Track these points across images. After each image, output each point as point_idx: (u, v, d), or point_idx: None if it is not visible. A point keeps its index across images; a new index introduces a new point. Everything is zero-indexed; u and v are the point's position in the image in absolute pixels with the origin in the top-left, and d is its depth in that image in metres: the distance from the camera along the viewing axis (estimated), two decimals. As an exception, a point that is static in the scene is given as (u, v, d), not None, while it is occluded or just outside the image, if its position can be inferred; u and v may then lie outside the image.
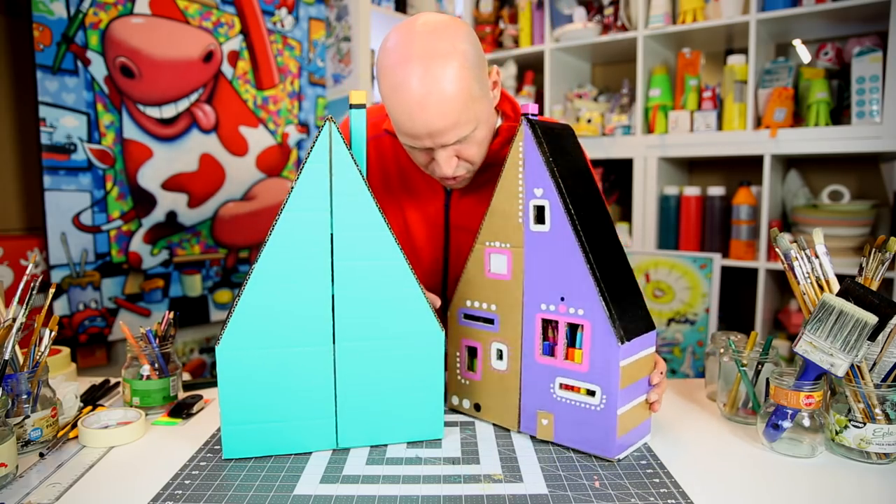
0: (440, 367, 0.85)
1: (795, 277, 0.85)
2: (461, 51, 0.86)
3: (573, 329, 0.81)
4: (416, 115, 0.85)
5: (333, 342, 0.81)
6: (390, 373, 0.84)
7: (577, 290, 0.79)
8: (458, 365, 0.94)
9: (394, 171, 1.09)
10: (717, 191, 2.16)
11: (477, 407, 0.93)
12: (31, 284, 0.88)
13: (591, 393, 0.80)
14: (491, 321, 0.89)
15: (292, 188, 0.78)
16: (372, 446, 0.85)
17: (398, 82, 0.85)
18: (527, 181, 0.83)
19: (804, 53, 2.15)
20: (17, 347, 0.85)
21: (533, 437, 0.87)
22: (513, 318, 0.87)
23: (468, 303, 0.91)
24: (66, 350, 1.13)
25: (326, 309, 0.80)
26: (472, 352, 0.93)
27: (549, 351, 0.84)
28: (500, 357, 0.89)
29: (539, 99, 2.57)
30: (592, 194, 0.85)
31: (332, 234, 0.79)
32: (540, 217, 0.82)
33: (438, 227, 1.09)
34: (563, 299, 0.81)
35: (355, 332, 0.82)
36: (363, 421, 0.84)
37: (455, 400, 0.96)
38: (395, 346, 0.83)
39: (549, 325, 0.84)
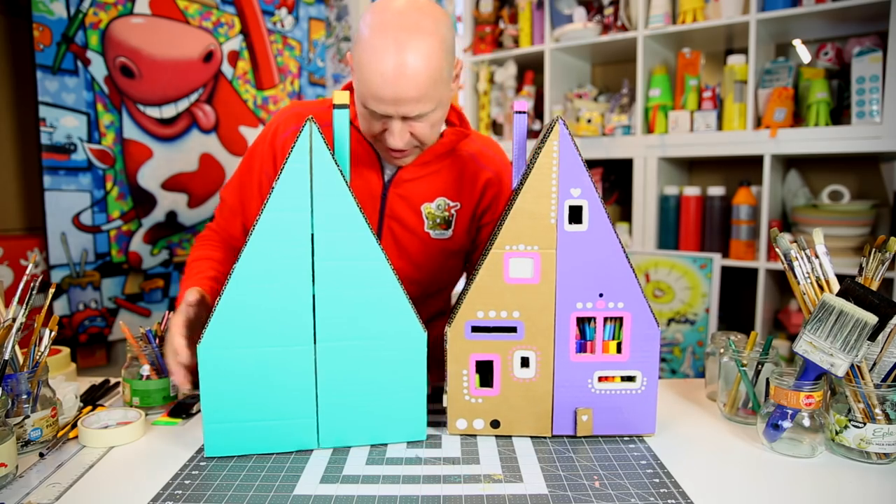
0: (422, 367, 0.85)
1: (795, 277, 0.85)
2: (442, 33, 0.92)
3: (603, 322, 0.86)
4: (389, 80, 0.89)
5: (314, 342, 0.81)
6: (372, 373, 0.84)
7: (617, 285, 0.84)
8: (466, 384, 0.87)
9: None
10: (717, 191, 2.16)
11: (495, 424, 0.88)
12: (31, 284, 0.88)
13: (630, 378, 0.87)
14: (513, 329, 0.86)
15: (273, 188, 0.78)
16: (371, 446, 0.85)
17: (379, 46, 0.89)
18: (562, 181, 0.82)
19: (804, 53, 2.15)
20: (17, 347, 0.85)
21: (533, 438, 0.87)
22: (541, 321, 0.85)
23: (480, 313, 0.85)
24: (66, 350, 1.13)
25: (307, 309, 0.81)
26: (482, 367, 0.88)
27: (581, 348, 0.86)
28: (526, 364, 0.87)
29: (539, 99, 2.57)
30: None
31: (312, 234, 0.80)
32: (576, 217, 0.83)
33: (373, 219, 1.09)
34: (601, 295, 0.84)
35: (336, 332, 0.82)
36: (345, 421, 0.84)
37: (461, 424, 0.88)
38: (376, 347, 0.83)
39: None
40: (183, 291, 0.98)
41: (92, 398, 1.04)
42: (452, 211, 1.11)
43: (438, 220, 1.11)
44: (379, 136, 0.99)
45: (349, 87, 1.06)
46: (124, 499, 0.72)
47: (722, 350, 0.98)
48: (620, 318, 0.85)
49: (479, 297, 0.85)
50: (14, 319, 0.84)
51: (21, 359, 0.86)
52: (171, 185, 2.00)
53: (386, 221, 1.10)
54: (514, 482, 0.74)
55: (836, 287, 0.83)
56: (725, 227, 2.14)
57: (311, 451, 0.84)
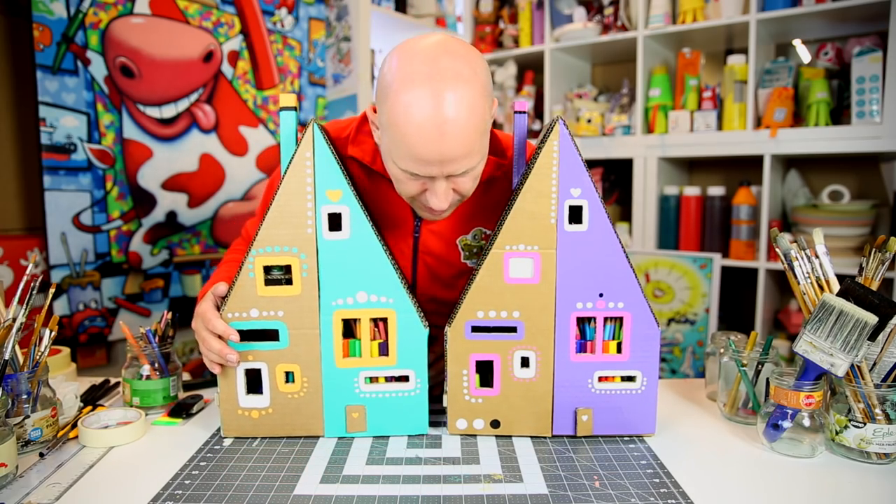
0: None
1: (795, 277, 0.85)
2: (481, 78, 0.82)
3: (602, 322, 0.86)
4: (433, 139, 0.78)
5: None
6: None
7: (617, 285, 0.84)
8: (466, 384, 0.87)
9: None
10: (717, 191, 2.16)
11: (495, 423, 0.88)
12: (31, 284, 0.88)
13: (630, 378, 0.87)
14: (513, 329, 0.86)
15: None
16: (372, 445, 0.85)
17: (414, 101, 0.77)
18: (562, 181, 0.82)
19: (804, 53, 2.15)
20: (17, 347, 0.85)
21: (533, 438, 0.87)
22: (541, 321, 0.85)
23: (480, 313, 0.85)
24: (66, 350, 1.13)
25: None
26: (482, 367, 0.88)
27: (581, 348, 0.86)
28: (526, 364, 0.87)
29: (539, 99, 2.57)
30: None
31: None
32: (576, 217, 0.83)
33: (406, 255, 1.04)
34: (601, 295, 0.84)
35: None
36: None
37: (462, 424, 0.88)
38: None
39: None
40: (210, 285, 0.96)
41: (92, 398, 1.04)
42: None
43: (475, 250, 1.04)
44: (416, 197, 0.88)
45: (362, 120, 0.99)
46: (124, 499, 0.72)
47: (722, 350, 0.98)
48: (620, 318, 0.85)
49: (479, 297, 0.85)
50: (14, 319, 0.84)
51: (21, 359, 0.86)
52: (171, 185, 2.00)
53: (421, 258, 1.04)
54: (514, 482, 0.74)
55: (836, 287, 0.83)
56: (725, 227, 2.14)
57: (312, 450, 0.84)
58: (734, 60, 2.04)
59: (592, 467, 0.78)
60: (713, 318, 2.10)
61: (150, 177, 1.95)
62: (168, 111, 1.98)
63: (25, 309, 0.86)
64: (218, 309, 0.86)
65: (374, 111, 0.89)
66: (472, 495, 0.71)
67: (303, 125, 2.34)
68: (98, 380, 1.14)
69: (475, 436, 0.88)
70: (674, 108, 2.18)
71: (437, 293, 1.07)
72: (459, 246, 1.03)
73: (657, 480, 0.75)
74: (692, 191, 2.18)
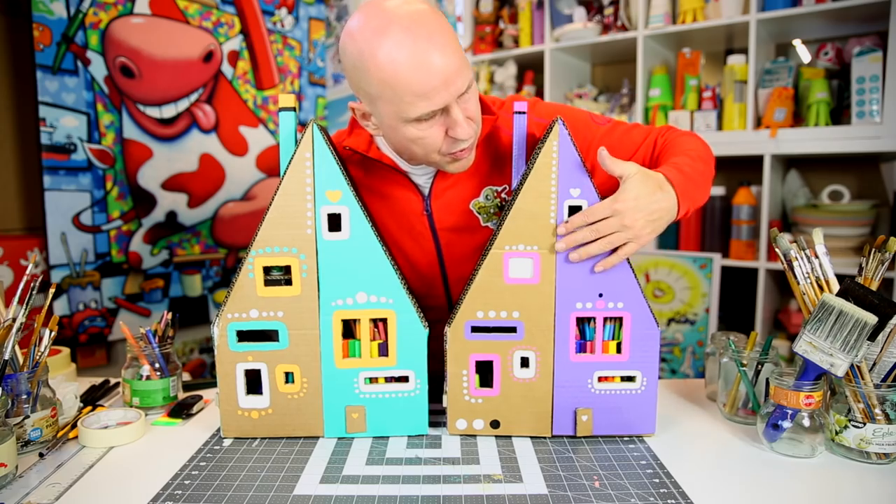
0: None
1: (795, 277, 0.85)
2: (428, 4, 0.86)
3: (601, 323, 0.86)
4: (428, 66, 0.80)
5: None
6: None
7: (617, 285, 0.84)
8: (466, 384, 0.87)
9: (361, 194, 1.04)
10: (717, 191, 2.16)
11: (495, 424, 0.88)
12: (31, 284, 0.88)
13: (630, 378, 0.87)
14: (513, 329, 0.86)
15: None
16: (371, 446, 0.85)
17: (392, 48, 0.80)
18: (561, 181, 0.82)
19: (804, 53, 2.15)
20: (17, 347, 0.85)
21: (533, 438, 0.87)
22: (542, 321, 0.85)
23: (480, 314, 0.85)
24: (66, 350, 1.13)
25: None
26: (482, 367, 0.88)
27: (581, 348, 0.86)
28: (526, 365, 0.87)
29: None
30: None
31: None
32: None
33: (426, 236, 1.05)
34: (601, 295, 0.84)
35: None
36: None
37: (462, 424, 0.88)
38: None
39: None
40: None
41: (92, 398, 1.04)
42: (503, 195, 1.03)
43: (492, 210, 1.04)
44: (442, 144, 0.89)
45: (354, 120, 1.01)
46: (124, 499, 0.72)
47: (722, 350, 0.98)
48: (620, 318, 0.85)
49: (478, 297, 0.85)
50: (14, 319, 0.84)
51: (21, 359, 0.86)
52: (171, 185, 2.00)
53: (441, 235, 1.04)
54: (514, 482, 0.74)
55: (835, 287, 0.83)
56: (725, 227, 2.14)
57: (312, 450, 0.84)
58: (734, 60, 2.04)
59: (592, 467, 0.78)
60: (713, 318, 2.10)
61: (150, 177, 1.95)
62: (168, 111, 1.98)
63: (25, 309, 0.86)
64: None
65: (359, 102, 0.92)
66: (472, 495, 0.71)
67: (303, 125, 2.34)
68: (98, 380, 1.14)
69: (475, 436, 0.88)
70: (674, 108, 2.18)
71: (468, 269, 1.05)
72: (475, 210, 1.04)
73: (657, 480, 0.75)
74: (692, 191, 2.18)
